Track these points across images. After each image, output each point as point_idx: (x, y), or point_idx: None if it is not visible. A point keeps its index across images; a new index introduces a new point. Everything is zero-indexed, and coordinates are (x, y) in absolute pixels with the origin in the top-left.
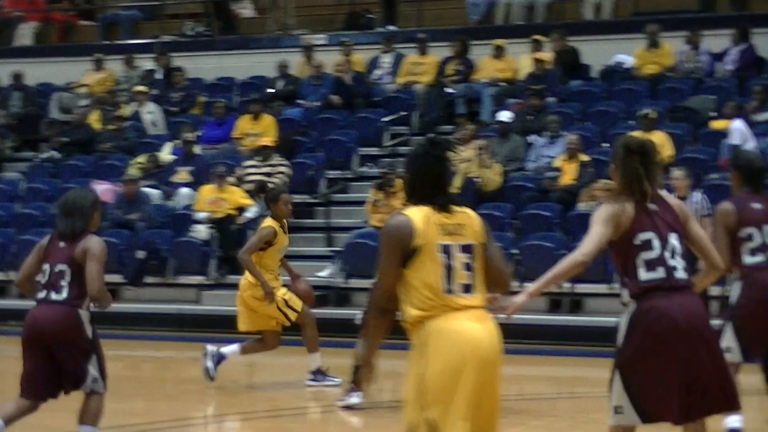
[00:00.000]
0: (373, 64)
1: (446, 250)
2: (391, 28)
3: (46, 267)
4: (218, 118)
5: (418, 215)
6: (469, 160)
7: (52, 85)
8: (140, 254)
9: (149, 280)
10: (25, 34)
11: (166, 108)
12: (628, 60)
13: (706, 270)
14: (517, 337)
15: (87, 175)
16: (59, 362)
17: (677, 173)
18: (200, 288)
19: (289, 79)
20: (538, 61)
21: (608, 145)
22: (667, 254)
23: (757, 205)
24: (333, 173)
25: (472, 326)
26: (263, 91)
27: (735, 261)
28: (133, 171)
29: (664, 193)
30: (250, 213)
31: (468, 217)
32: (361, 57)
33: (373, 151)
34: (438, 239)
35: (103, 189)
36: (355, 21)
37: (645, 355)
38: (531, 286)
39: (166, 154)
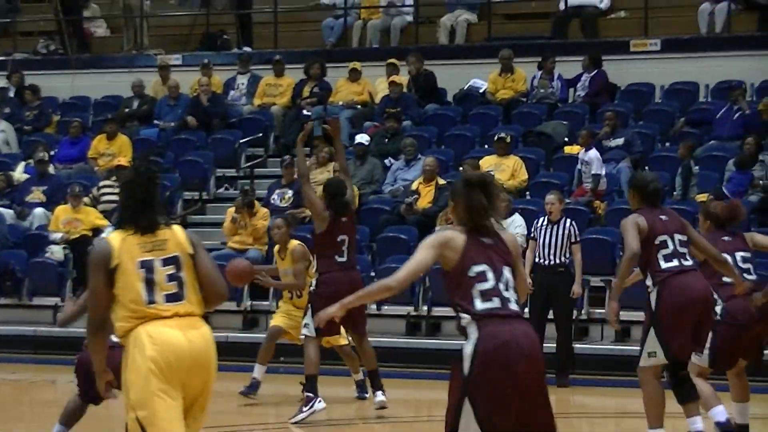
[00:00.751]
0: (229, 85)
1: (146, 265)
2: (247, 49)
3: None
4: (73, 137)
5: (116, 239)
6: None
7: None
8: None
9: (3, 301)
10: None
11: (19, 126)
12: (482, 84)
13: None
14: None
15: None
16: None
17: (551, 197)
18: (56, 309)
19: (145, 98)
20: (394, 84)
21: (464, 168)
22: (501, 286)
23: (663, 217)
24: (189, 194)
25: (169, 332)
26: (119, 110)
27: (651, 268)
28: None
29: (498, 227)
30: (106, 234)
31: (172, 233)
32: (217, 78)
33: (230, 172)
34: (137, 257)
35: None
36: (212, 41)
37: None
38: (344, 300)
39: (19, 173)
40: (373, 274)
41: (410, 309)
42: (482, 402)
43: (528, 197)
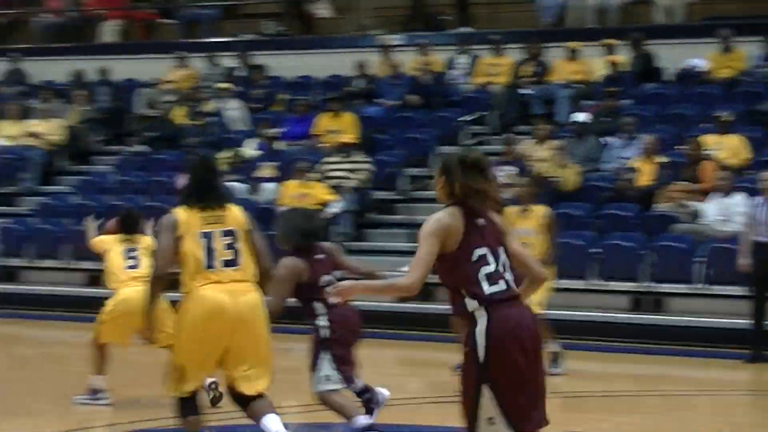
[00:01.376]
0: (449, 64)
1: (207, 235)
2: (467, 29)
3: None
4: (299, 115)
5: (182, 213)
6: (545, 160)
7: (137, 81)
8: None
9: None
10: (109, 32)
11: (249, 105)
12: (701, 64)
13: (529, 282)
14: (601, 334)
15: (174, 168)
16: None
17: (766, 174)
18: None
19: (367, 78)
20: (613, 63)
21: (684, 147)
22: (500, 268)
23: None
24: (412, 170)
25: (219, 296)
26: (342, 89)
27: None
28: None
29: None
30: (335, 208)
31: (230, 211)
32: (438, 57)
33: (451, 149)
34: (199, 228)
35: None
36: (431, 22)
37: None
38: (361, 283)
39: (249, 149)
40: (599, 249)
41: (634, 285)
42: (504, 386)
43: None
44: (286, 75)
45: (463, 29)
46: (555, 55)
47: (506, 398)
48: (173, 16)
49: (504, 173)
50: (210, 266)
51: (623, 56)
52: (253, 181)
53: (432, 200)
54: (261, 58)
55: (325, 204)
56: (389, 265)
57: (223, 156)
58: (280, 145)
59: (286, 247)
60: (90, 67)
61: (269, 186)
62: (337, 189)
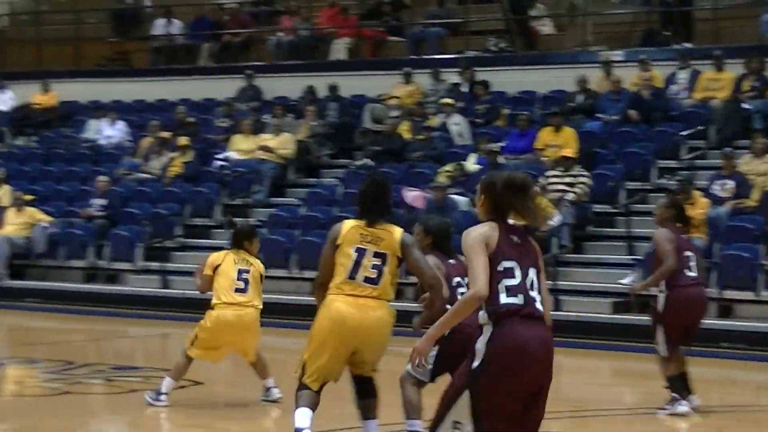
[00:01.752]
0: (670, 79)
1: (360, 251)
2: (687, 45)
3: None
4: (521, 130)
5: (347, 225)
6: (764, 174)
7: (365, 96)
8: None
9: None
10: (339, 49)
11: (471, 119)
12: None
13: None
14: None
15: (398, 182)
16: None
17: None
18: None
19: (588, 93)
20: None
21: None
22: (527, 283)
23: None
24: (632, 184)
25: (350, 310)
26: (564, 104)
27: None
28: (441, 179)
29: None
30: (554, 221)
31: (389, 234)
32: (658, 73)
33: (671, 163)
34: (356, 243)
35: (414, 195)
36: (652, 38)
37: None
38: (434, 330)
39: (471, 163)
40: None
41: None
42: (483, 399)
43: None
44: (509, 90)
45: (684, 44)
46: None
47: (480, 409)
48: (401, 34)
49: (722, 188)
50: (352, 278)
51: None
52: (474, 194)
53: (650, 213)
54: (484, 74)
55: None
56: (607, 278)
57: (446, 169)
58: (502, 159)
59: (425, 245)
60: (320, 83)
61: None
62: (556, 202)
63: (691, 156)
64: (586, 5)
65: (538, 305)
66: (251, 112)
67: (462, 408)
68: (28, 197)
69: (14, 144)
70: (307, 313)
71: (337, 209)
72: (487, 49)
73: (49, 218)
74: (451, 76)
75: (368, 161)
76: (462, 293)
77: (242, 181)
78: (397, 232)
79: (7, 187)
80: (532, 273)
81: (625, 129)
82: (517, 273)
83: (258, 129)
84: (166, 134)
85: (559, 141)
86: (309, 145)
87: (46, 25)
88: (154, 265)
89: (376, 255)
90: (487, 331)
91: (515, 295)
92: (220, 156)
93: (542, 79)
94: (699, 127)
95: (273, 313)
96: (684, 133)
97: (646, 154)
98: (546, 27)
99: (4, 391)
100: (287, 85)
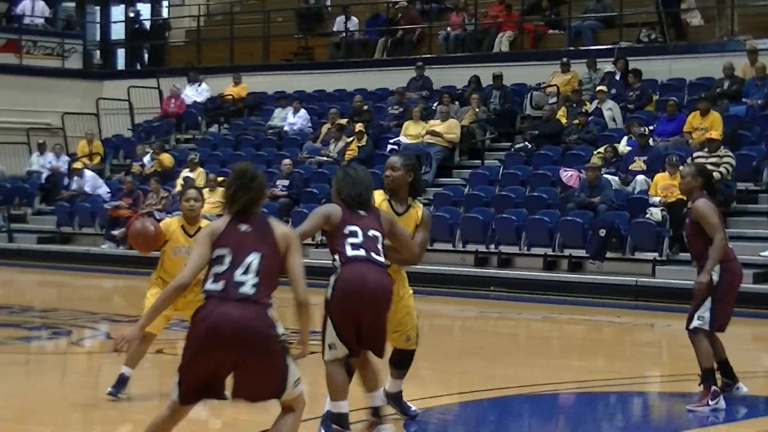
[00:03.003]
0: None
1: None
2: None
3: None
4: (670, 115)
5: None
6: None
7: (525, 85)
8: (602, 232)
9: (609, 255)
10: (502, 42)
11: (623, 105)
12: None
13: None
14: None
15: (555, 163)
16: None
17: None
18: (654, 263)
19: (734, 80)
20: None
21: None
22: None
23: None
24: None
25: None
26: (711, 90)
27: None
28: (595, 160)
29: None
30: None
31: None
32: None
33: None
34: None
35: (569, 175)
36: None
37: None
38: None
39: (623, 145)
40: None
41: None
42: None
43: None
44: (659, 78)
45: None
46: None
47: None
48: (560, 27)
49: None
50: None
51: None
52: (625, 174)
53: None
54: (636, 63)
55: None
56: (750, 251)
57: (599, 151)
58: (651, 142)
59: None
60: (485, 73)
61: (640, 178)
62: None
63: None
64: None
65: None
66: (421, 100)
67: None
68: (220, 179)
69: (208, 131)
70: (470, 283)
71: (498, 188)
72: (639, 39)
73: None
74: (606, 65)
75: (527, 144)
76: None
77: None
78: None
79: (201, 170)
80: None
81: None
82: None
83: (427, 116)
84: (343, 121)
85: (706, 124)
86: (473, 130)
87: (238, 24)
88: None
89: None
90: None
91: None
92: (392, 140)
93: (691, 67)
94: None
95: (438, 283)
96: None
97: None
98: (695, 19)
99: None
100: (454, 76)
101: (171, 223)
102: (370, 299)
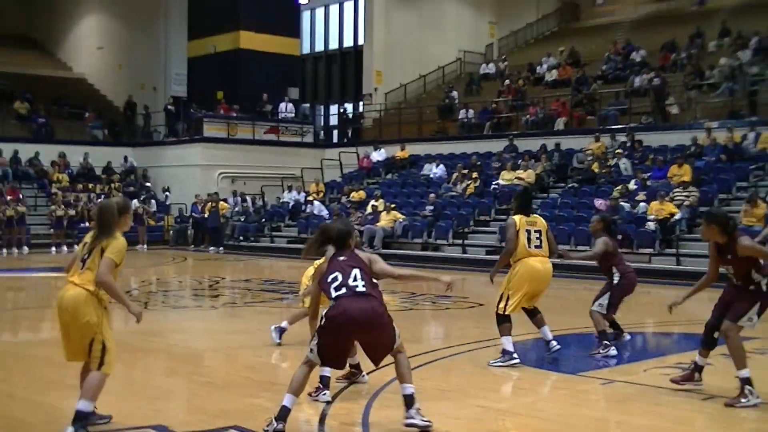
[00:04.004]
0: (744, 137)
1: (528, 231)
2: (753, 117)
3: None
4: (659, 166)
5: (516, 218)
6: None
7: (573, 149)
8: (619, 237)
9: (622, 250)
10: (559, 123)
11: (632, 161)
12: None
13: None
14: None
15: (591, 196)
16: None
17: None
18: (650, 255)
19: (698, 146)
20: None
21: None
22: (350, 280)
23: None
24: (722, 195)
25: (534, 261)
26: (684, 152)
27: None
28: (615, 194)
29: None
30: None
31: (538, 219)
32: (737, 134)
33: (743, 184)
34: (525, 226)
35: (600, 203)
36: (734, 114)
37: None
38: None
39: (632, 185)
40: None
41: None
42: (322, 338)
43: None
44: (653, 145)
45: (751, 117)
46: None
47: (320, 344)
48: (594, 114)
49: None
50: (529, 247)
51: None
52: (633, 202)
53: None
54: (640, 136)
55: None
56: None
57: (618, 189)
58: (649, 183)
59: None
60: (549, 142)
61: (642, 205)
62: (678, 206)
63: (755, 179)
64: (697, 96)
65: (359, 288)
66: (511, 158)
67: (314, 345)
68: (392, 206)
69: (385, 178)
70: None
71: (557, 211)
72: (641, 122)
73: (401, 216)
74: (621, 137)
75: (575, 185)
76: (335, 287)
77: (504, 196)
78: (540, 217)
79: (381, 200)
80: (354, 272)
81: (718, 165)
82: (340, 277)
83: (514, 167)
84: (465, 171)
85: (681, 172)
86: (542, 176)
87: (404, 114)
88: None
89: (536, 231)
90: (329, 307)
91: (340, 289)
92: (494, 183)
93: (672, 138)
94: (759, 164)
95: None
96: (752, 167)
97: (730, 180)
98: (674, 108)
99: None
100: (531, 144)
101: None
102: (354, 326)
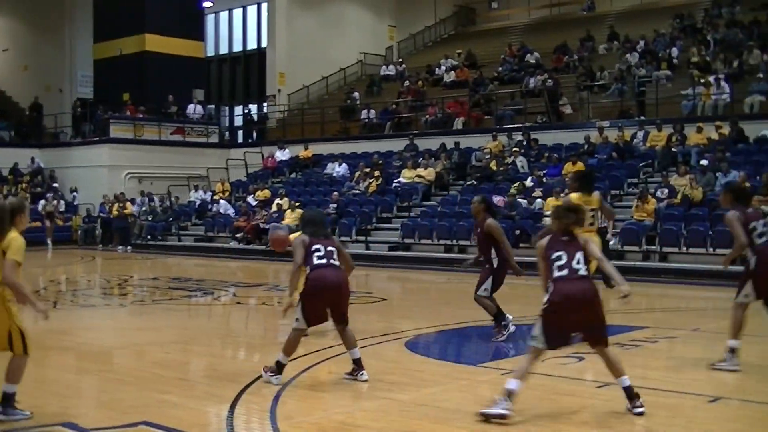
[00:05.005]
0: (633, 136)
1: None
2: (642, 117)
3: None
4: (554, 164)
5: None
6: (684, 186)
7: (472, 148)
8: (517, 232)
9: (522, 245)
10: (458, 123)
11: (528, 159)
12: None
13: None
14: None
15: (489, 192)
16: None
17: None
18: None
19: (590, 144)
20: None
21: None
22: (573, 262)
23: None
24: (614, 191)
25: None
26: (577, 151)
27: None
28: (512, 191)
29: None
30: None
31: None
32: (627, 133)
33: (633, 180)
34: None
35: (498, 199)
36: (624, 114)
37: None
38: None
39: (528, 182)
40: None
41: None
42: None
43: None
44: (548, 143)
45: (640, 117)
46: None
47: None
48: (491, 114)
49: (662, 193)
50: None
51: None
52: (530, 198)
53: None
54: (535, 134)
55: None
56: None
57: (515, 186)
58: (545, 180)
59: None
60: (449, 141)
61: (538, 201)
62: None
63: (645, 176)
64: (588, 97)
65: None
66: (412, 157)
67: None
68: (297, 204)
69: (289, 177)
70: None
71: (457, 207)
72: (536, 121)
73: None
74: (518, 136)
75: (474, 182)
76: (317, 256)
77: (405, 194)
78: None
79: (286, 199)
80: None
81: (610, 163)
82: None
83: (415, 166)
84: (367, 170)
85: (575, 169)
86: (442, 174)
87: (307, 115)
88: None
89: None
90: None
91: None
92: (396, 180)
93: (566, 137)
94: (648, 161)
95: (422, 262)
96: (642, 164)
97: (621, 177)
98: (567, 108)
99: None
100: (431, 143)
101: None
102: (331, 290)
